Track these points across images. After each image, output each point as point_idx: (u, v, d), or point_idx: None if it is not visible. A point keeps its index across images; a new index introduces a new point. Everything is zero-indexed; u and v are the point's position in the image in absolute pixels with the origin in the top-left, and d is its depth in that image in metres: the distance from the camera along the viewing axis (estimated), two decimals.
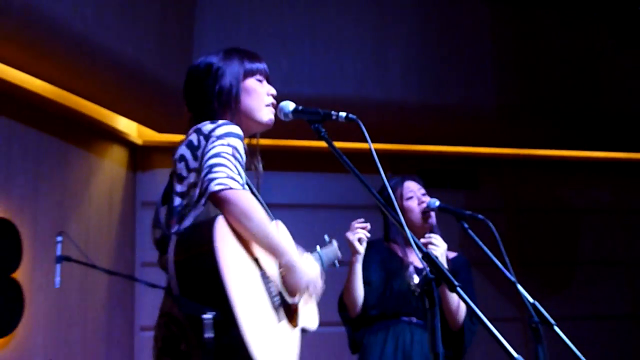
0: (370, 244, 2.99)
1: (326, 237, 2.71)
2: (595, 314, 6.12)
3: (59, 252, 3.80)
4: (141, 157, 5.56)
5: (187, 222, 1.80)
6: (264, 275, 1.81)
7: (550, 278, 6.11)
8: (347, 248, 2.79)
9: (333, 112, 1.95)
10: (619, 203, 6.53)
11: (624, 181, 6.60)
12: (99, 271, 3.98)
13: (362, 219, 2.83)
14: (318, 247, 2.49)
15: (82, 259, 3.93)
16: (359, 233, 2.79)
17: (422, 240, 2.83)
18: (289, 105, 2.02)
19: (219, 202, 1.71)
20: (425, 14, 5.68)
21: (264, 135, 2.17)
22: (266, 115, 2.06)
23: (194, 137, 1.87)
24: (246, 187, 1.90)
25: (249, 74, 2.05)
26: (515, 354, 1.48)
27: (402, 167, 5.64)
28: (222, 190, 1.69)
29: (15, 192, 4.20)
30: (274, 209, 2.10)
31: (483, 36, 5.76)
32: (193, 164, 1.85)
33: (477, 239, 2.74)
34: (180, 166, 1.88)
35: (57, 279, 3.73)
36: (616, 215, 6.51)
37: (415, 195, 3.04)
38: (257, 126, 2.07)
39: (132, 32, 4.34)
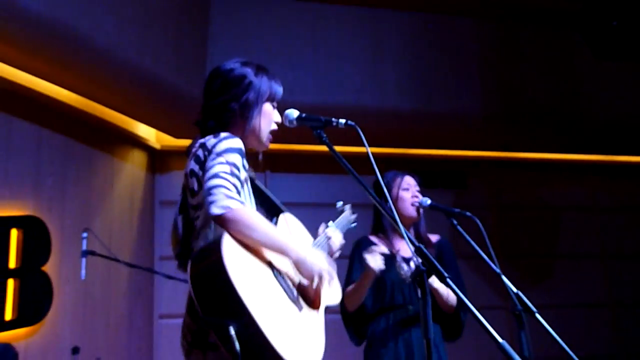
0: (358, 243, 2.99)
1: (339, 204, 2.70)
2: (572, 302, 6.11)
3: (84, 247, 3.81)
4: (159, 160, 5.57)
5: (202, 242, 1.81)
6: (279, 274, 1.81)
7: (532, 270, 6.10)
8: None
9: (333, 119, 1.95)
10: (595, 202, 6.53)
11: (599, 182, 6.60)
12: (121, 264, 4.00)
13: (378, 245, 2.82)
14: (331, 222, 2.45)
15: (106, 253, 3.94)
16: (377, 258, 2.77)
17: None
18: (294, 113, 2.01)
19: (222, 224, 1.70)
20: (417, 30, 5.70)
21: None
22: (266, 141, 2.05)
23: (200, 153, 1.87)
24: (247, 200, 1.89)
25: (271, 98, 2.04)
26: (500, 339, 1.48)
27: (397, 169, 5.62)
28: (222, 213, 1.68)
29: (44, 193, 4.20)
30: None
31: (470, 50, 5.76)
32: (202, 177, 1.84)
33: (465, 234, 2.74)
34: (192, 181, 1.88)
35: (83, 272, 3.74)
36: (592, 213, 6.51)
37: (411, 189, 3.06)
38: (257, 145, 2.05)
39: (150, 46, 4.34)
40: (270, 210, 2.15)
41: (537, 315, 2.43)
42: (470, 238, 2.71)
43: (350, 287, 2.88)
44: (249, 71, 2.00)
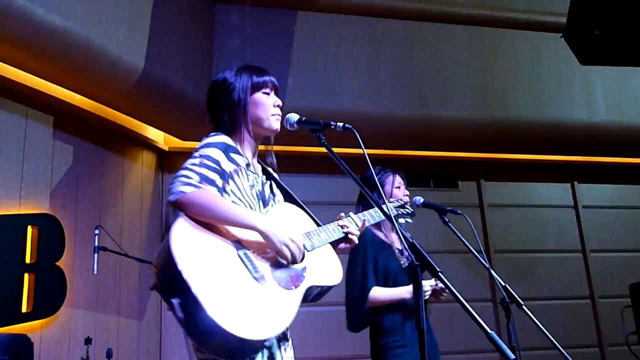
0: (363, 236, 2.99)
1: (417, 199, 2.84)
2: (556, 295, 6.12)
3: (96, 243, 3.81)
4: (167, 161, 5.56)
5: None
6: (245, 254, 1.77)
7: (518, 265, 6.10)
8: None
9: (332, 123, 1.94)
10: (576, 200, 6.55)
11: (580, 181, 6.62)
12: (131, 259, 3.99)
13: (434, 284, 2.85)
14: (351, 213, 2.36)
15: (117, 249, 3.94)
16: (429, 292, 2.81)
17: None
18: (294, 117, 2.01)
19: (180, 208, 1.72)
20: (411, 39, 5.71)
21: (273, 142, 2.17)
22: (273, 123, 2.04)
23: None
24: (240, 189, 1.89)
25: (257, 88, 2.04)
26: (489, 330, 1.48)
27: (391, 169, 5.63)
28: (177, 198, 1.71)
29: (59, 192, 4.20)
30: None
31: (460, 60, 5.79)
32: None
33: (456, 231, 2.75)
34: None
35: (95, 267, 3.73)
36: (574, 211, 6.52)
37: (402, 187, 3.09)
38: (266, 132, 2.06)
39: (159, 54, 4.34)
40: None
41: (524, 307, 2.44)
42: (461, 234, 2.72)
43: (383, 296, 2.84)
44: (228, 75, 2.04)
